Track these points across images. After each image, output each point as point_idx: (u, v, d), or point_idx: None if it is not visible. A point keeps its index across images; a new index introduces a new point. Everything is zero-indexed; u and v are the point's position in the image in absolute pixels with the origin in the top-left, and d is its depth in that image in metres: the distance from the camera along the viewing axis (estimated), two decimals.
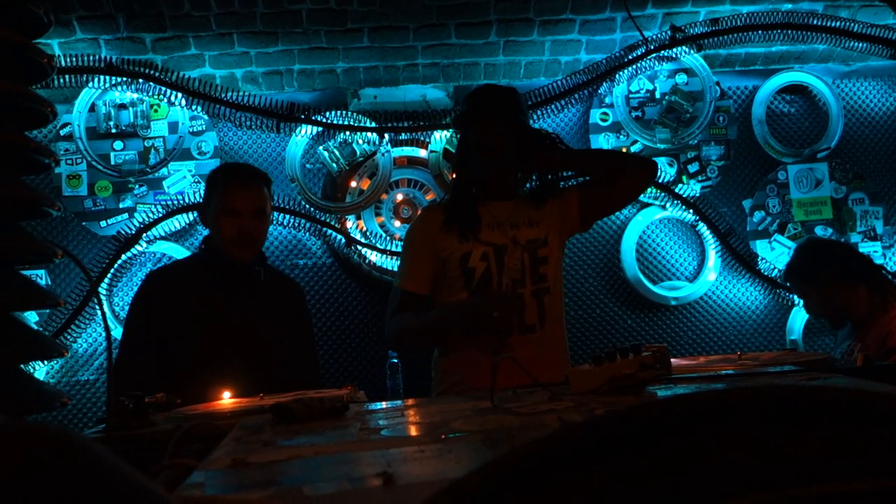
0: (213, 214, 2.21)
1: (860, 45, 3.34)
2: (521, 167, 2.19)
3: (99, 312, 3.16)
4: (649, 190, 3.37)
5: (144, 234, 3.16)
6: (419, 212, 2.83)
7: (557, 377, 1.44)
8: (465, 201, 2.16)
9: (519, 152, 2.14)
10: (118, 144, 3.27)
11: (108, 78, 3.13)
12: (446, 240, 2.11)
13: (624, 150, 3.43)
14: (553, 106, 3.33)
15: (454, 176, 2.30)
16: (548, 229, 2.13)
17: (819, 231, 3.52)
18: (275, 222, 3.26)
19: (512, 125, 2.12)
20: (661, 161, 3.46)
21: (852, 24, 3.32)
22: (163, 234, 3.21)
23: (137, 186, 3.27)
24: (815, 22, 3.31)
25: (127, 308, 2.33)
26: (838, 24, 3.32)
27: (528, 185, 2.25)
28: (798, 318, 3.44)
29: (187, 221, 3.24)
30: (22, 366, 1.32)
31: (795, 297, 3.33)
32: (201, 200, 2.35)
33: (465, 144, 2.18)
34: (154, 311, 2.17)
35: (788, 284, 3.04)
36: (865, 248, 3.51)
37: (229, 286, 2.21)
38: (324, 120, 3.28)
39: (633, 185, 2.23)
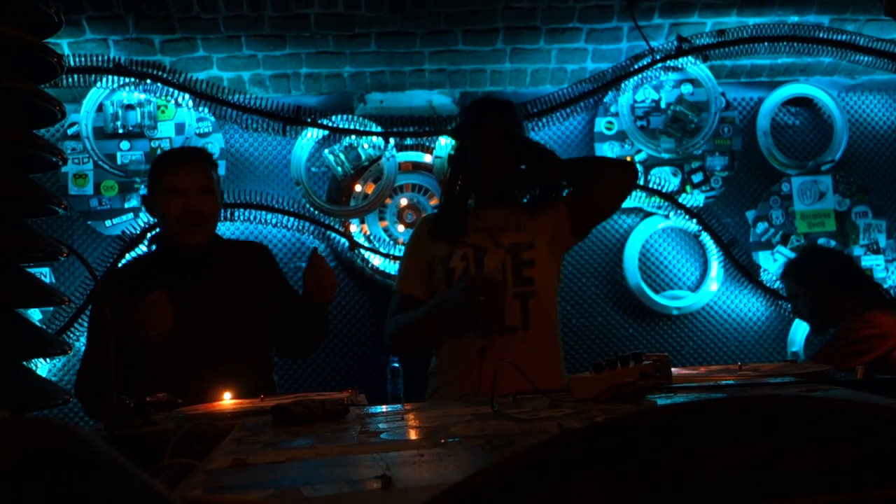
0: (158, 200, 2.10)
1: (866, 58, 3.34)
2: (517, 176, 2.23)
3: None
4: (653, 199, 3.38)
5: (148, 234, 3.17)
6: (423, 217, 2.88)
7: (544, 382, 1.45)
8: (455, 207, 2.24)
9: (515, 161, 2.20)
10: (125, 144, 3.28)
11: (116, 78, 3.15)
12: (436, 244, 2.18)
13: (626, 158, 3.43)
14: (558, 114, 3.34)
15: (448, 181, 2.32)
16: (535, 234, 2.16)
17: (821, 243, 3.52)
18: (279, 225, 3.27)
19: (508, 134, 2.19)
20: (666, 171, 3.47)
21: (858, 38, 3.33)
22: None
23: (143, 187, 3.28)
24: (821, 35, 3.32)
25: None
26: (844, 37, 3.32)
27: (525, 199, 2.29)
28: (799, 330, 3.43)
29: None
30: (24, 363, 1.33)
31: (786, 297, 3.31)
32: (145, 192, 2.15)
33: (462, 152, 2.26)
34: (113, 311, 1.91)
35: (781, 283, 3.04)
36: (868, 261, 3.51)
37: (180, 276, 2.05)
38: (330, 124, 3.30)
39: (615, 189, 2.24)
